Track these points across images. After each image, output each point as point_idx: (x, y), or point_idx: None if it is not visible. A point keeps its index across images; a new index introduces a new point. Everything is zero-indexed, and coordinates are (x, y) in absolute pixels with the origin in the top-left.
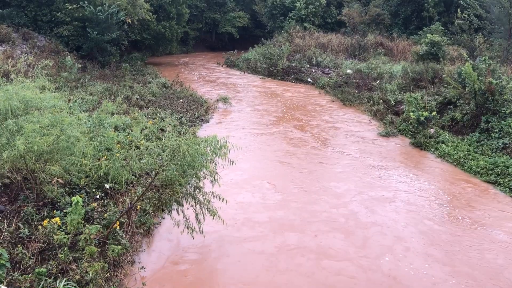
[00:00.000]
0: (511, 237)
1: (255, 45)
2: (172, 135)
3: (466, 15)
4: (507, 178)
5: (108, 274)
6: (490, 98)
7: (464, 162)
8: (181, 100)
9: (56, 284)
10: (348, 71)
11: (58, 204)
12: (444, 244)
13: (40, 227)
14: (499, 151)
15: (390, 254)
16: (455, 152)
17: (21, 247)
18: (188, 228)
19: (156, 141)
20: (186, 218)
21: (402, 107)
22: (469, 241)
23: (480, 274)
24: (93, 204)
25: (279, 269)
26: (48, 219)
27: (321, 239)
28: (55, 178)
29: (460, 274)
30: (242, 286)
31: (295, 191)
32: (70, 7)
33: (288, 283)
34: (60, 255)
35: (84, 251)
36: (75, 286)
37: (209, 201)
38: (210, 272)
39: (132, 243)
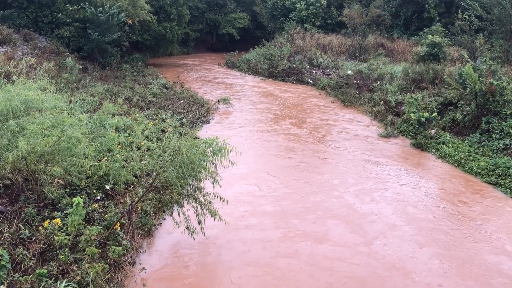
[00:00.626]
0: (494, 228)
1: (256, 46)
2: (173, 136)
3: (467, 16)
4: (508, 179)
5: (108, 275)
6: (490, 99)
7: (465, 163)
8: (181, 101)
9: (56, 285)
10: (349, 72)
11: (59, 205)
12: (429, 231)
13: (40, 228)
14: (499, 152)
15: (382, 238)
16: (456, 153)
17: (21, 248)
18: (188, 229)
19: (157, 142)
20: (187, 219)
21: (403, 108)
22: (452, 229)
23: (459, 258)
24: (94, 205)
25: (280, 253)
26: (48, 220)
27: (320, 226)
28: (56, 179)
29: (442, 256)
30: (245, 269)
31: (294, 182)
32: (71, 8)
33: (288, 267)
34: (61, 256)
35: (85, 252)
36: (75, 287)
37: (210, 202)
38: (212, 268)
39: (132, 244)
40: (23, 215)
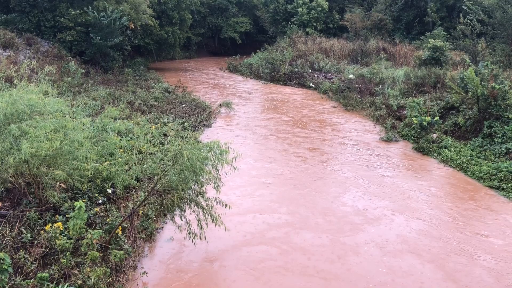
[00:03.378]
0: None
1: (258, 50)
2: (175, 140)
3: (469, 20)
4: (511, 183)
5: (110, 279)
6: (492, 103)
7: (467, 167)
8: (183, 105)
9: None
10: (351, 76)
11: (61, 209)
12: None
13: (42, 232)
14: (502, 156)
15: (353, 191)
16: (458, 157)
17: (23, 252)
18: (190, 234)
19: (159, 146)
20: (189, 224)
21: (405, 112)
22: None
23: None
24: (96, 209)
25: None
26: (50, 224)
27: (313, 188)
28: (58, 183)
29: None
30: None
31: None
32: (73, 12)
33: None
34: (63, 260)
35: (87, 256)
36: None
37: (212, 207)
38: (214, 270)
39: (134, 248)
40: (25, 219)
